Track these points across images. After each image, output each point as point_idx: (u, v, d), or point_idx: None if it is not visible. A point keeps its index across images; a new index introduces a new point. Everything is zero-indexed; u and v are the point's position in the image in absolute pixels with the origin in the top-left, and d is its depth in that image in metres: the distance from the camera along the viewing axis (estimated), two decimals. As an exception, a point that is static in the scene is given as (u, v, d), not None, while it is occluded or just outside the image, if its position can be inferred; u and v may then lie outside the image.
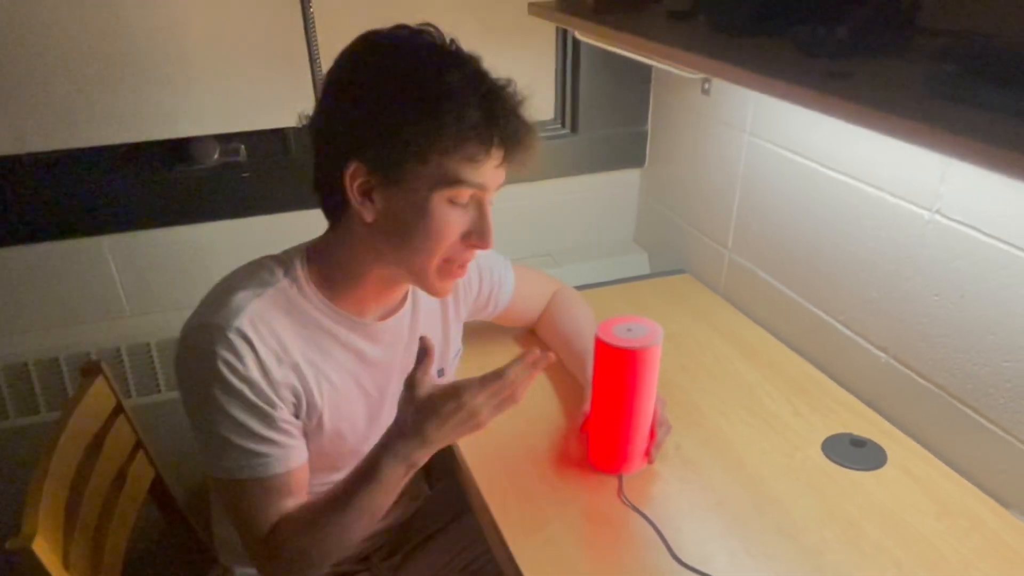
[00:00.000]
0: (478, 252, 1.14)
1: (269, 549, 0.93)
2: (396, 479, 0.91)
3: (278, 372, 0.91)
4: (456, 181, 0.88)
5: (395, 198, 0.90)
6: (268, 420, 0.90)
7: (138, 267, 1.60)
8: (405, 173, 0.88)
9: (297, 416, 0.95)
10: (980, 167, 0.67)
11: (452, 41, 0.91)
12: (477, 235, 0.94)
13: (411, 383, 0.91)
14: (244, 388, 0.88)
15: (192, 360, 0.90)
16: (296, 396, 0.94)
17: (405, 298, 1.07)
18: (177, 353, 0.92)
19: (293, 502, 0.94)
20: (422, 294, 1.10)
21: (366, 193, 0.90)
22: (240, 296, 0.91)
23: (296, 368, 0.93)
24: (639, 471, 1.12)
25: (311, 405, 0.96)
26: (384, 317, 1.04)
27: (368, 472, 0.91)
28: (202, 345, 0.88)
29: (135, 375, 1.63)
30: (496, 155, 0.89)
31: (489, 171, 0.90)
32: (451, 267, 0.96)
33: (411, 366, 1.08)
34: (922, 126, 0.70)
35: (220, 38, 1.45)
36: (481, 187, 0.90)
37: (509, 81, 0.91)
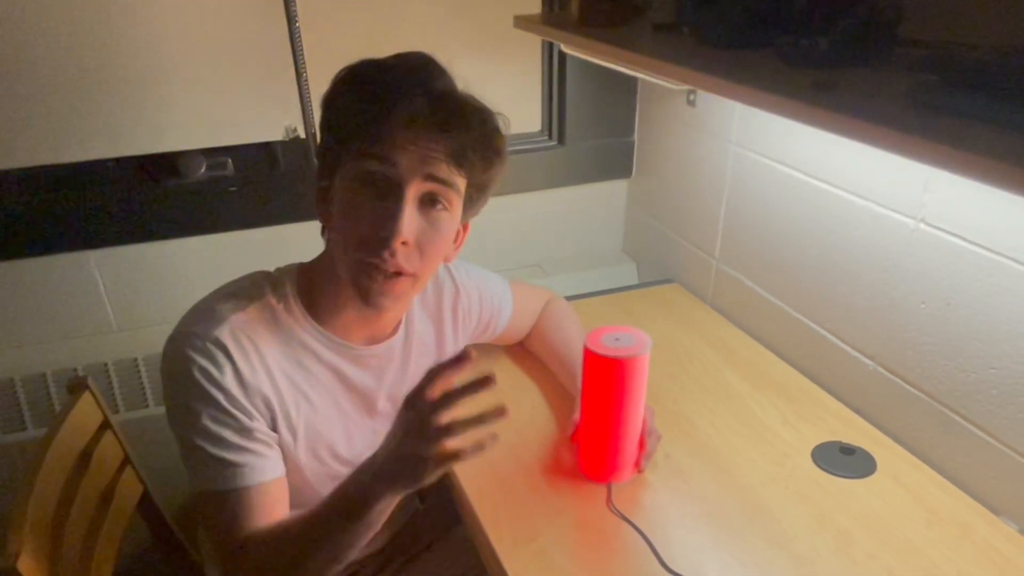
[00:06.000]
0: (463, 283, 1.14)
1: (235, 563, 0.90)
2: (351, 500, 0.84)
3: (254, 383, 0.90)
4: (358, 156, 0.87)
5: (334, 196, 0.91)
6: (243, 430, 0.90)
7: (125, 282, 1.59)
8: (336, 165, 0.90)
9: (274, 429, 0.94)
10: (962, 176, 0.67)
11: (424, 54, 0.92)
12: (383, 224, 0.86)
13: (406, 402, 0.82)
14: (219, 396, 0.88)
15: (171, 368, 0.90)
16: (272, 410, 0.93)
17: (398, 327, 1.06)
18: (161, 362, 0.92)
19: (269, 520, 0.91)
20: (417, 323, 1.09)
21: (324, 198, 0.93)
22: (223, 307, 0.92)
23: (274, 383, 0.93)
24: (629, 480, 1.12)
25: (288, 421, 0.95)
26: (373, 343, 1.03)
27: (334, 489, 0.87)
28: (181, 353, 0.88)
29: (122, 390, 1.62)
30: (396, 132, 0.84)
31: (395, 148, 0.85)
32: (368, 269, 0.88)
33: (400, 394, 1.07)
34: (904, 136, 0.71)
35: (207, 52, 1.45)
36: (386, 163, 0.85)
37: (452, 82, 0.90)
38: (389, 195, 0.86)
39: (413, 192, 0.87)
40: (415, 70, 0.89)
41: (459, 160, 0.87)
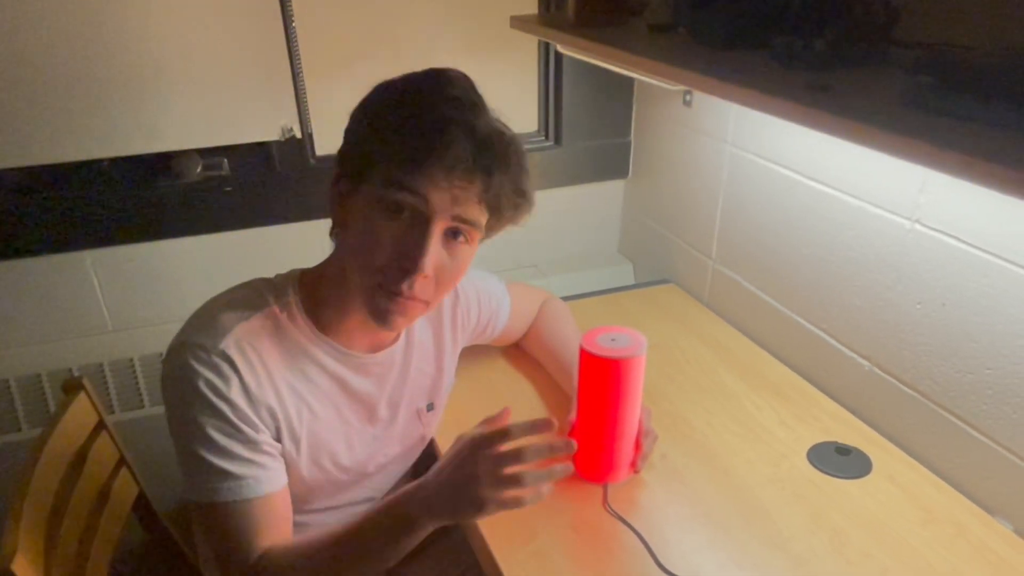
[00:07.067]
0: (461, 294, 1.13)
1: None
2: (390, 524, 0.88)
3: (260, 395, 0.90)
4: (390, 183, 0.85)
5: (354, 205, 0.90)
6: (248, 442, 0.89)
7: (121, 282, 1.58)
8: (362, 177, 0.88)
9: (278, 440, 0.94)
10: (957, 178, 0.68)
11: (465, 78, 0.91)
12: (407, 256, 0.86)
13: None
14: (225, 409, 0.87)
15: (175, 379, 0.89)
16: (276, 420, 0.93)
17: (399, 334, 1.06)
18: (163, 371, 0.91)
19: (275, 531, 0.92)
20: (417, 329, 1.09)
21: (341, 201, 0.92)
22: (227, 317, 0.91)
23: (278, 393, 0.92)
24: (625, 480, 1.12)
25: (291, 430, 0.95)
26: (375, 350, 1.03)
27: (372, 510, 0.90)
28: (185, 365, 0.87)
29: (118, 391, 1.62)
30: (435, 173, 0.83)
31: (430, 186, 0.84)
32: (386, 292, 0.89)
33: (400, 400, 1.07)
34: (899, 137, 0.71)
35: (203, 52, 1.45)
36: (418, 197, 0.84)
37: (491, 117, 0.89)
38: (416, 227, 0.86)
39: (439, 228, 0.87)
40: (459, 107, 0.86)
41: (491, 205, 0.88)
